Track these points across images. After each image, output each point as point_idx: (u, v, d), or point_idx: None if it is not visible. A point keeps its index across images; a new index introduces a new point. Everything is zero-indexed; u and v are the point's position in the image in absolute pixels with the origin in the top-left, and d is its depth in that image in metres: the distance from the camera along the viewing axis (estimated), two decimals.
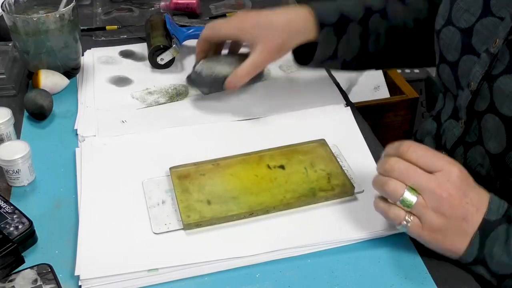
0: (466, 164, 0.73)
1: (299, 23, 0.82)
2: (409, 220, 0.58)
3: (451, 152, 0.76)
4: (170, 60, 0.96)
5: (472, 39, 0.70)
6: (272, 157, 0.76)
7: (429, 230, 0.58)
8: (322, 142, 0.78)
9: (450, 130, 0.76)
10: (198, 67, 0.85)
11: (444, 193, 0.56)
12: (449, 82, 0.76)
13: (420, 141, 0.90)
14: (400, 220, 0.58)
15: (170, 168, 0.73)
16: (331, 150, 0.77)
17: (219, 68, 0.84)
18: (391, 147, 0.61)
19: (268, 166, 0.75)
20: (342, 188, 0.71)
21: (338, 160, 0.75)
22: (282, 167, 0.75)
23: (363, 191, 0.71)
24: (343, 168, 0.74)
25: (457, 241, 0.58)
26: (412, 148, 0.58)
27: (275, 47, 0.80)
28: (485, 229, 0.57)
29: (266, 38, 0.80)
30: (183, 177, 0.73)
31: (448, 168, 0.57)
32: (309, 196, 0.70)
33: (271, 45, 0.80)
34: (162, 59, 0.96)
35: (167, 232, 0.66)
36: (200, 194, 0.70)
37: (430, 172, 0.57)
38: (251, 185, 0.71)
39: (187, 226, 0.66)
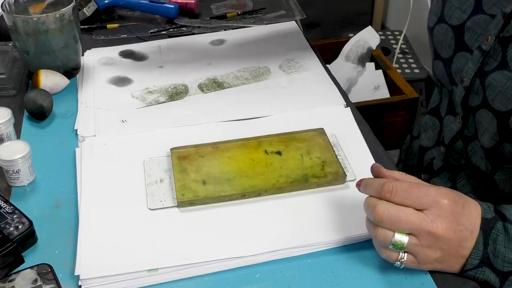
0: (468, 158, 0.75)
1: None
2: (403, 258, 0.58)
3: (449, 146, 0.78)
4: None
5: (465, 36, 0.72)
6: (270, 143, 0.77)
7: (426, 263, 0.58)
8: (321, 131, 0.79)
9: (448, 126, 0.78)
10: None
11: (439, 231, 0.55)
12: (443, 78, 0.78)
13: (416, 137, 0.91)
14: (393, 260, 0.58)
15: (171, 149, 0.76)
16: (328, 139, 0.78)
17: None
18: (373, 186, 0.58)
19: (266, 152, 0.76)
20: (335, 175, 0.72)
21: (335, 149, 0.76)
22: (279, 153, 0.76)
23: (355, 179, 0.72)
24: (339, 157, 0.75)
25: (456, 263, 0.59)
26: (395, 191, 0.56)
27: None
28: (485, 228, 0.58)
29: None
30: (182, 158, 0.75)
31: (436, 202, 0.56)
32: (302, 182, 0.71)
33: None
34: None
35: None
36: (197, 174, 0.72)
37: (420, 209, 0.56)
38: (247, 169, 0.73)
39: (181, 203, 0.68)
